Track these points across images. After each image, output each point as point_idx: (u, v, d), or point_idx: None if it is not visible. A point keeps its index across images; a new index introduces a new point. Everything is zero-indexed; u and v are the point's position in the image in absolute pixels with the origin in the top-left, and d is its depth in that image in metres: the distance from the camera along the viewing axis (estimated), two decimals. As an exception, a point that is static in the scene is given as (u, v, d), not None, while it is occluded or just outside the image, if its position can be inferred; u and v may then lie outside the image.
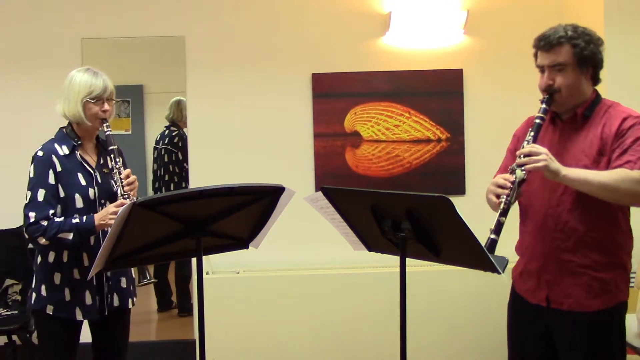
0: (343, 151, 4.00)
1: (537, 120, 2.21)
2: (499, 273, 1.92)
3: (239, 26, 3.99)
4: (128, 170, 2.54)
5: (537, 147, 2.11)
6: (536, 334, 2.30)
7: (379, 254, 2.26)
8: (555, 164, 2.07)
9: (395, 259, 2.09)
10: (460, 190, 4.01)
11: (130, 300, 2.68)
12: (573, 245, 2.18)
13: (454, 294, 3.76)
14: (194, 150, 4.03)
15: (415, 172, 4.00)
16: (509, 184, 2.11)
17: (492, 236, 2.07)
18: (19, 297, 3.84)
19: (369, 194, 2.09)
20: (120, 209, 2.00)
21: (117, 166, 2.52)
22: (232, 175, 3.57)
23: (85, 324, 2.63)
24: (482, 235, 1.88)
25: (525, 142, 2.17)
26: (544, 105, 2.21)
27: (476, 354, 3.75)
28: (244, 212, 2.18)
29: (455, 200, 1.83)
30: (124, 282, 2.65)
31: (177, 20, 3.98)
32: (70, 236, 2.41)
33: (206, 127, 4.02)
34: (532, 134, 2.18)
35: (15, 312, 3.73)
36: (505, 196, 2.10)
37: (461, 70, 4.01)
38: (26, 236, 2.47)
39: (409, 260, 2.07)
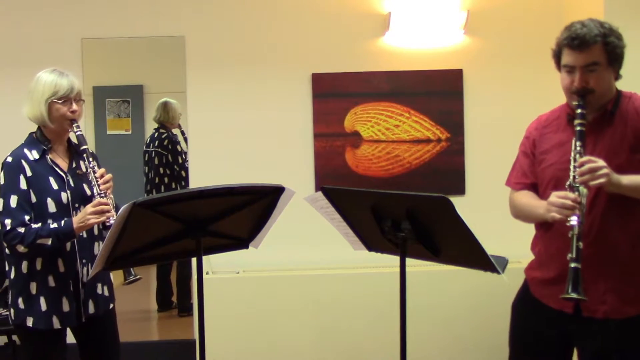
0: (343, 151, 4.00)
1: (579, 127, 2.07)
2: (499, 273, 1.92)
3: (239, 26, 3.99)
4: (102, 170, 2.49)
5: (595, 161, 2.00)
6: (552, 338, 2.24)
7: (379, 254, 2.26)
8: (615, 176, 2.00)
9: (395, 259, 2.09)
10: (460, 190, 4.01)
11: (110, 304, 2.64)
12: (608, 250, 2.11)
13: (454, 294, 3.76)
14: (193, 150, 4.03)
15: (415, 172, 4.00)
16: (576, 205, 1.99)
17: (574, 265, 1.96)
18: (19, 297, 3.84)
19: (369, 194, 2.10)
20: (121, 209, 2.00)
21: (91, 166, 2.47)
22: (232, 175, 3.56)
23: (69, 332, 2.60)
24: (482, 235, 1.88)
25: (577, 155, 2.05)
26: (580, 110, 2.09)
27: (476, 353, 3.75)
28: (244, 212, 2.18)
29: (455, 200, 1.83)
30: (99, 288, 2.59)
31: (177, 20, 3.98)
32: (49, 242, 2.36)
33: (206, 127, 4.01)
34: (579, 143, 2.06)
35: (15, 312, 3.73)
36: (576, 217, 1.98)
37: (461, 70, 4.01)
38: (4, 244, 2.43)
39: (409, 260, 2.07)
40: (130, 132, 4.42)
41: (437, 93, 4.00)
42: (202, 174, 3.99)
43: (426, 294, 3.69)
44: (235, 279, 3.81)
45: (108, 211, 2.38)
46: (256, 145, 4.01)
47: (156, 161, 4.38)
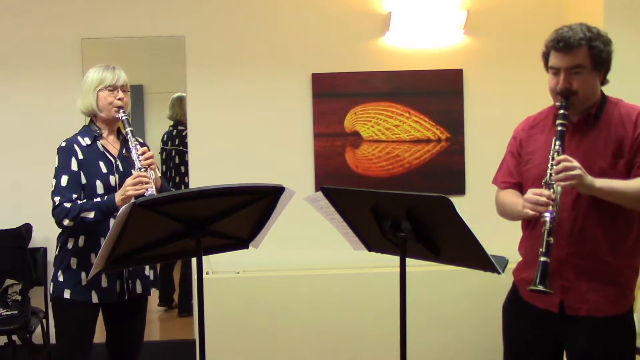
0: (343, 151, 4.00)
1: (560, 127, 2.11)
2: (499, 273, 1.92)
3: (239, 26, 3.99)
4: (144, 148, 2.63)
5: (570, 161, 2.04)
6: (541, 339, 2.27)
7: (379, 254, 2.26)
8: (589, 178, 2.03)
9: (395, 259, 2.09)
10: (460, 190, 4.01)
11: (153, 288, 2.77)
12: (590, 249, 2.14)
13: (454, 294, 3.76)
14: (194, 149, 4.03)
15: (415, 172, 4.00)
16: (550, 201, 2.03)
17: (544, 259, 2.01)
18: (19, 297, 3.84)
19: (369, 194, 2.09)
20: (122, 208, 2.01)
21: (135, 144, 2.60)
22: (232, 175, 3.56)
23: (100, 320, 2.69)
24: (482, 235, 1.88)
25: (555, 153, 2.09)
26: (562, 111, 2.13)
27: (476, 353, 3.75)
28: (244, 212, 2.17)
29: (455, 200, 1.83)
30: (147, 270, 2.72)
31: (177, 20, 3.98)
32: (92, 214, 2.50)
33: (206, 127, 4.02)
34: (559, 142, 2.10)
35: (15, 312, 3.73)
36: (549, 214, 2.03)
37: (461, 70, 4.01)
38: (53, 220, 2.57)
39: (409, 260, 2.07)
40: (130, 132, 4.41)
41: (437, 93, 4.00)
42: (202, 174, 3.99)
43: (426, 294, 3.69)
44: (235, 279, 3.81)
45: (147, 183, 2.50)
46: (256, 145, 4.01)
47: (177, 160, 4.30)
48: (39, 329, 3.82)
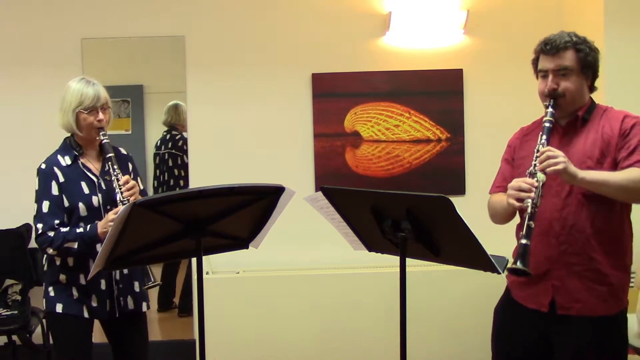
0: (343, 151, 4.00)
1: (547, 124, 2.20)
2: (498, 273, 1.92)
3: (239, 26, 3.99)
4: (126, 177, 2.55)
5: (554, 150, 2.10)
6: (530, 340, 2.29)
7: (379, 254, 2.26)
8: (573, 167, 2.07)
9: (395, 259, 2.09)
10: (460, 190, 4.01)
11: (144, 303, 2.71)
12: (581, 248, 2.17)
13: (454, 294, 3.76)
14: (193, 150, 4.04)
15: (415, 172, 4.00)
16: (533, 188, 2.08)
17: (524, 241, 2.05)
18: (19, 297, 3.84)
19: (369, 194, 2.09)
20: (120, 209, 2.01)
21: (115, 173, 2.53)
22: (232, 175, 3.56)
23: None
24: (482, 235, 1.88)
25: (540, 146, 2.16)
26: (550, 109, 2.21)
27: (476, 353, 3.75)
28: (244, 212, 2.17)
29: (455, 200, 1.83)
30: (136, 286, 2.67)
31: (177, 20, 3.98)
32: (76, 245, 2.46)
33: (206, 127, 4.02)
34: (544, 137, 2.18)
35: (15, 312, 3.73)
36: (531, 200, 2.07)
37: (461, 70, 4.01)
38: (37, 246, 2.54)
39: (409, 260, 2.07)
40: (130, 132, 4.42)
41: (437, 93, 4.00)
42: (202, 174, 3.99)
43: (426, 294, 3.69)
44: (235, 279, 3.81)
45: None
46: (256, 145, 4.01)
47: (170, 163, 4.33)
48: (39, 329, 3.82)
